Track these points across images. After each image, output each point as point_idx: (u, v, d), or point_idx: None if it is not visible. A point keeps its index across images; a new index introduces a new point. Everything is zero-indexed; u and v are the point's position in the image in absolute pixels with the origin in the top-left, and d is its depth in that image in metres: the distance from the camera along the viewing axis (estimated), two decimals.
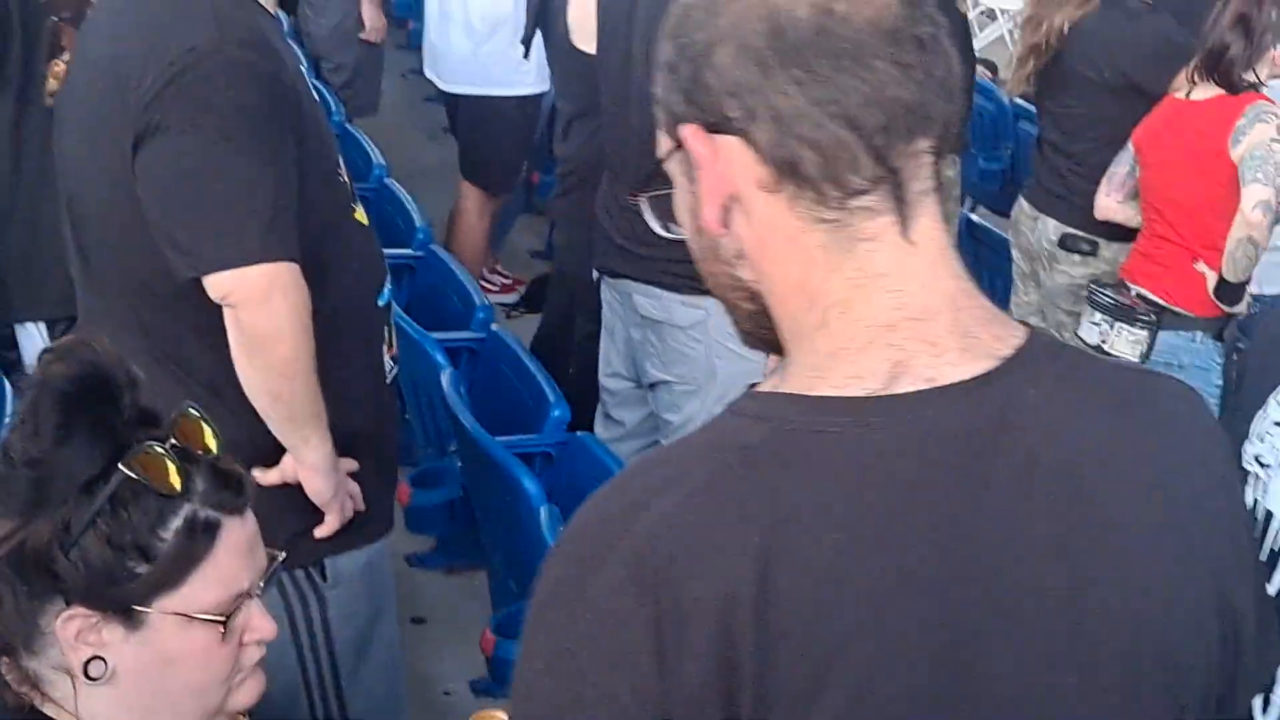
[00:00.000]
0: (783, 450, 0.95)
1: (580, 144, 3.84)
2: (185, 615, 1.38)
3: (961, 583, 0.93)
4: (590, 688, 0.92)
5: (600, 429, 3.47)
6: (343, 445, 2.18)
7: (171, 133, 1.96)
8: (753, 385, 1.04)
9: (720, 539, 0.91)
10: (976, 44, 6.56)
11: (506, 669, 2.77)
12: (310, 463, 2.13)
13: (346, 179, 2.22)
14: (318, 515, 2.19)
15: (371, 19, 5.46)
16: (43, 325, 2.92)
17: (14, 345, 2.96)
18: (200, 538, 1.38)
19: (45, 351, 1.39)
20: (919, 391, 0.95)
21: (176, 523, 1.36)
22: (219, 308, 2.03)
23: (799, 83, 0.95)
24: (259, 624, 1.45)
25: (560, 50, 3.98)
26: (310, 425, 2.10)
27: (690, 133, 0.99)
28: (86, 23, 2.26)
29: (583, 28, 3.67)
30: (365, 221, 2.27)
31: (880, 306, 0.97)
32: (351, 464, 2.23)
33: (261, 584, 1.46)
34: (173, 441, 1.38)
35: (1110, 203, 3.86)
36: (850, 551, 0.91)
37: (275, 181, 1.99)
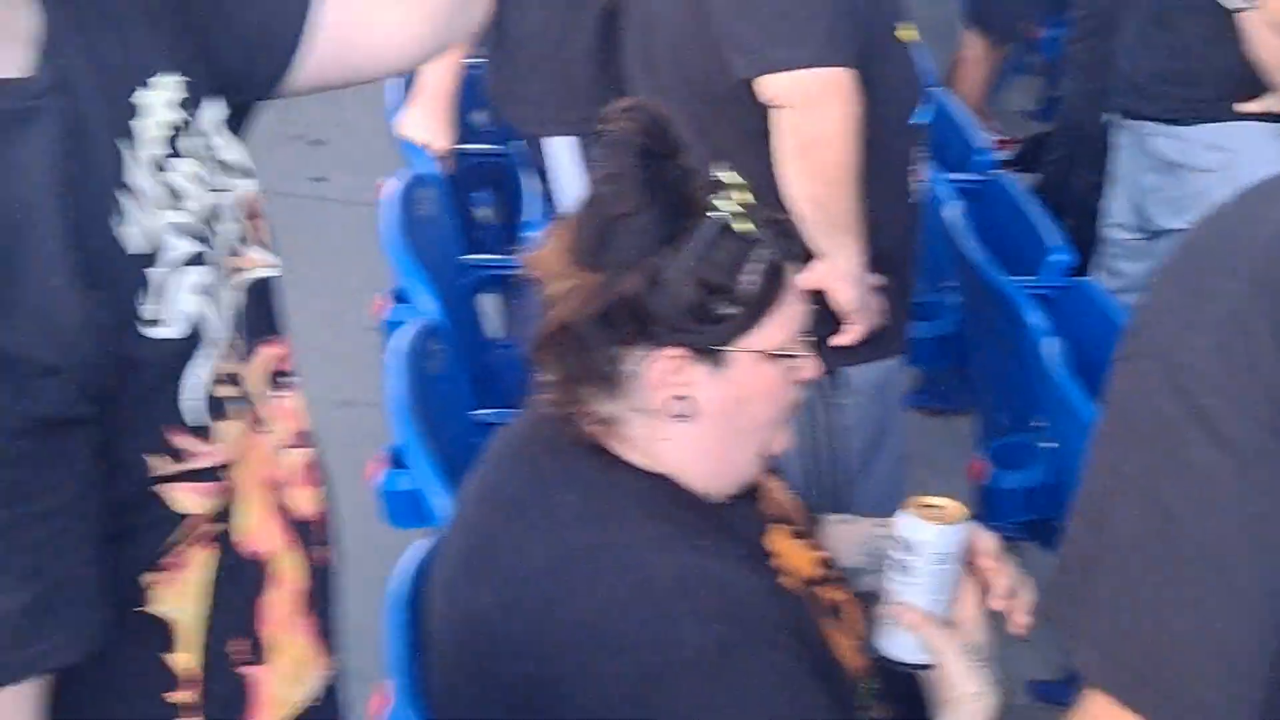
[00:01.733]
0: None
1: None
2: (764, 353, 1.47)
3: None
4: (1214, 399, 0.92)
5: (1101, 280, 3.40)
6: (869, 258, 2.24)
7: None
8: None
9: None
10: None
11: (995, 499, 2.79)
12: (842, 270, 2.19)
13: None
14: (836, 325, 2.27)
15: None
16: (575, 138, 3.10)
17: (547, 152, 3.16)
18: (775, 280, 1.46)
19: (615, 111, 1.46)
20: None
21: (755, 266, 1.44)
22: (746, 115, 2.10)
23: None
24: (811, 363, 1.53)
25: None
26: (848, 233, 2.16)
27: None
28: None
29: None
30: (907, 39, 2.29)
31: None
32: (877, 279, 2.29)
33: None
34: (731, 194, 1.46)
35: None
36: None
37: None
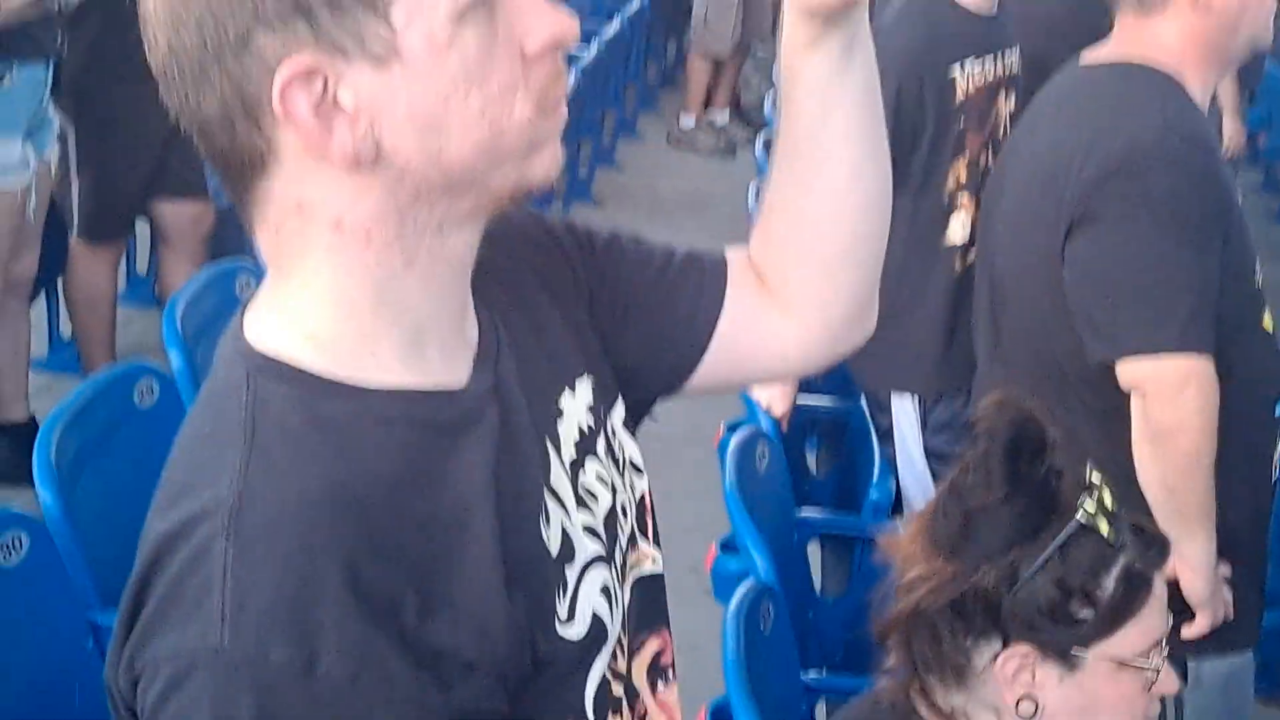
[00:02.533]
0: None
1: None
2: (1120, 661, 1.44)
3: None
4: None
5: None
6: (1220, 547, 2.17)
7: (1107, 220, 2.06)
8: None
9: None
10: None
11: None
12: (1192, 559, 2.13)
13: (1260, 283, 2.23)
14: (1185, 613, 2.20)
15: (1232, 131, 5.35)
16: (916, 398, 3.12)
17: (888, 410, 3.19)
18: (1136, 588, 1.44)
19: (987, 405, 1.49)
20: None
21: (1115, 571, 1.44)
22: (1122, 396, 2.10)
23: None
24: (1169, 676, 1.49)
25: None
26: (1199, 522, 2.11)
27: None
28: (1023, 120, 2.42)
29: None
30: (1271, 329, 2.25)
31: None
32: (1226, 569, 2.22)
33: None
34: (1096, 495, 1.45)
35: None
36: None
37: (1202, 274, 2.04)
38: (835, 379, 4.17)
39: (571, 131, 6.55)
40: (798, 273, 1.22)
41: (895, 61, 2.64)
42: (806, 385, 4.17)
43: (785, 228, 1.21)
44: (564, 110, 1.00)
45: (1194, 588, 2.15)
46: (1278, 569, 3.43)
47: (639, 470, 1.18)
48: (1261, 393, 2.23)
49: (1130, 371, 2.07)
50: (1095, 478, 1.48)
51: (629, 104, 7.35)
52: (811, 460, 3.98)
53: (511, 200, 1.01)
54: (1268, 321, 2.24)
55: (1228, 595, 2.22)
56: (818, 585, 3.35)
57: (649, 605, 1.17)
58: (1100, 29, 2.28)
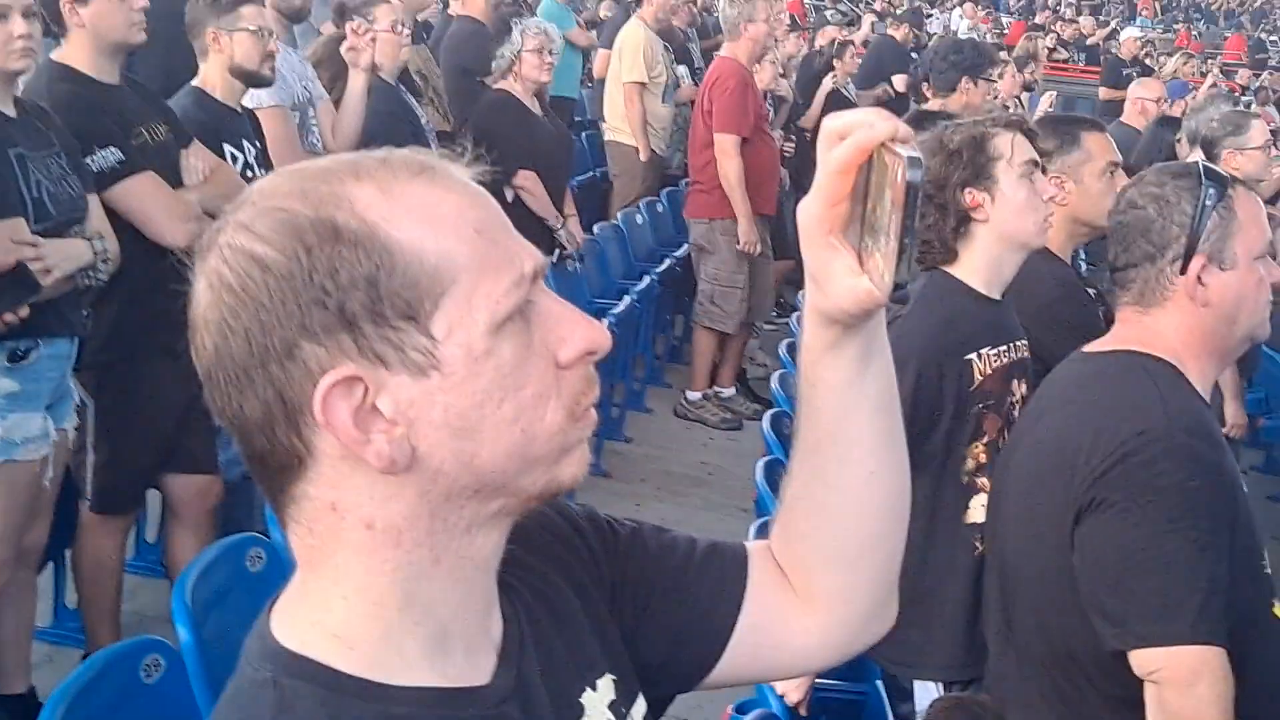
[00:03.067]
0: None
1: None
2: None
3: None
4: None
5: None
6: None
7: (1116, 509, 2.09)
8: None
9: None
10: None
11: None
12: None
13: (1269, 572, 2.23)
14: None
15: (1234, 415, 5.42)
16: (940, 685, 3.09)
17: (909, 697, 3.15)
18: None
19: (934, 702, 1.48)
20: None
21: None
22: (1136, 682, 2.08)
23: None
24: None
25: None
26: None
27: None
28: (1029, 406, 2.47)
29: None
30: None
31: None
32: None
33: None
34: None
35: None
36: None
37: (1210, 566, 2.05)
38: (850, 661, 4.13)
39: None
40: (819, 568, 1.23)
41: (914, 346, 2.71)
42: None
43: (806, 525, 1.23)
44: (594, 415, 1.03)
45: None
46: None
47: None
48: (1276, 682, 2.20)
49: (1146, 661, 2.07)
50: None
51: (637, 378, 7.46)
52: None
53: (539, 501, 1.04)
54: (1279, 609, 2.24)
55: None
56: None
57: None
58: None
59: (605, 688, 1.13)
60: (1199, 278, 2.18)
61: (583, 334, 1.01)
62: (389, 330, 0.94)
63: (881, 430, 1.19)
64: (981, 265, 2.82)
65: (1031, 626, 2.28)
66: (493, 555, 1.04)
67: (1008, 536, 2.35)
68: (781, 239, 7.43)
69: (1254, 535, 2.20)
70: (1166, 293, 2.20)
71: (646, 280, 7.08)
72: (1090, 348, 2.34)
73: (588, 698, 1.10)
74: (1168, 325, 2.21)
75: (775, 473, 4.46)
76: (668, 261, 7.60)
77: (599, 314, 7.09)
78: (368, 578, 0.99)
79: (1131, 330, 2.26)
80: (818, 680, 3.43)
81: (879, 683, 3.27)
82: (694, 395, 7.29)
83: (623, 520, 1.26)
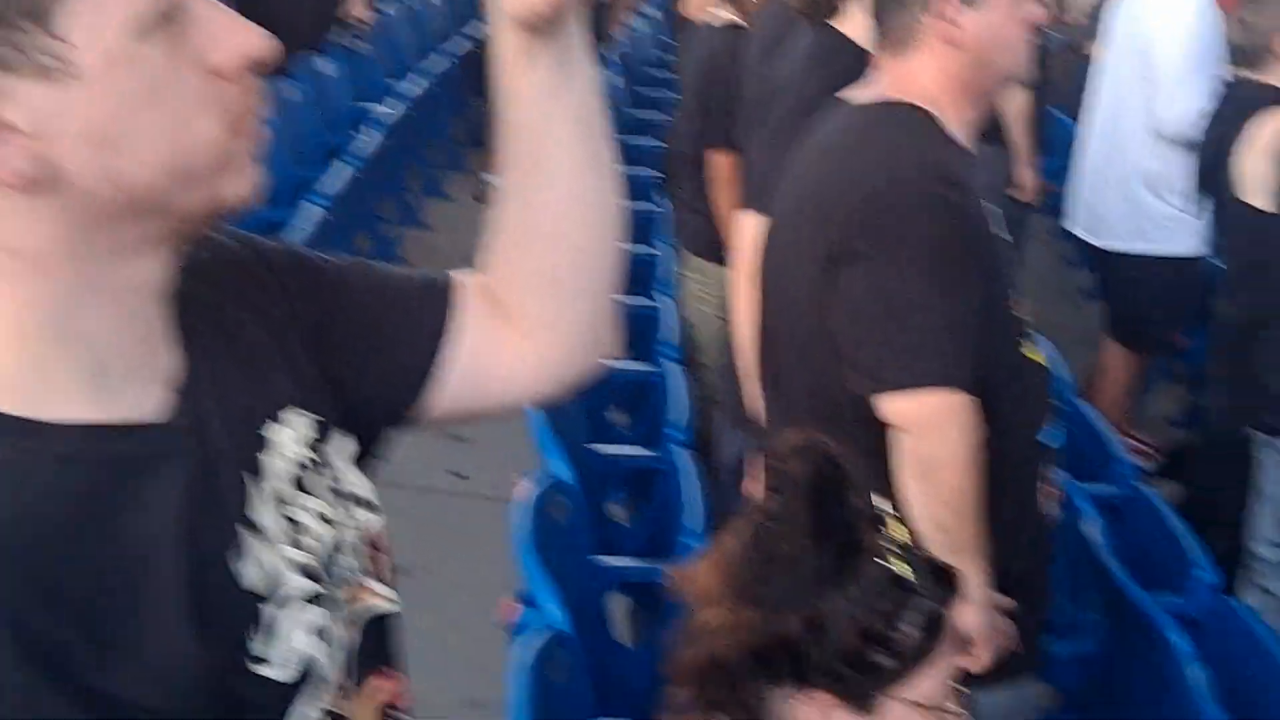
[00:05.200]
0: None
1: (1246, 301, 3.72)
2: (914, 703, 1.44)
3: None
4: None
5: (1248, 601, 3.29)
6: (998, 581, 2.19)
7: (868, 258, 2.08)
8: None
9: None
10: None
11: None
12: (966, 594, 2.16)
13: (1019, 313, 2.27)
14: (965, 647, 2.21)
15: (1027, 179, 5.52)
16: None
17: None
18: (934, 630, 1.44)
19: (787, 448, 1.46)
20: None
21: (914, 616, 1.42)
22: (870, 434, 2.10)
23: None
24: (956, 714, 1.49)
25: (1228, 204, 3.88)
26: (970, 556, 2.12)
27: None
28: (789, 162, 2.45)
29: (1253, 181, 3.58)
30: (1037, 358, 2.30)
31: None
32: (1006, 601, 2.23)
33: None
34: (891, 536, 1.45)
35: None
36: None
37: (959, 311, 2.07)
38: (643, 427, 4.20)
39: (376, 190, 6.51)
40: (530, 293, 1.21)
41: (800, 102, 2.75)
42: (613, 435, 4.19)
43: (514, 249, 1.21)
44: (257, 130, 0.97)
45: (971, 622, 2.16)
46: (1066, 598, 3.53)
47: (369, 507, 1.15)
48: (1029, 422, 2.26)
49: (893, 407, 2.09)
50: (888, 513, 1.47)
51: (436, 163, 7.32)
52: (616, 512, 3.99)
53: (204, 223, 0.98)
54: (1030, 351, 2.28)
55: (1007, 627, 2.24)
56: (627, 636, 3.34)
57: (379, 647, 1.14)
58: None
59: (297, 422, 1.09)
60: (950, 18, 2.16)
61: (240, 41, 0.94)
62: (12, 31, 0.87)
63: (583, 148, 1.16)
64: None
65: (795, 378, 2.30)
66: (154, 283, 0.98)
67: (770, 290, 2.35)
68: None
69: (1003, 280, 2.22)
70: (920, 36, 2.18)
71: (445, 62, 6.90)
72: (846, 97, 2.32)
73: (273, 432, 1.06)
74: (922, 70, 2.19)
75: None
76: (466, 44, 7.42)
77: (391, 96, 6.92)
78: (13, 307, 0.93)
79: (888, 77, 2.24)
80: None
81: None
82: (494, 179, 7.21)
83: (331, 257, 1.21)
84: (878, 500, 1.49)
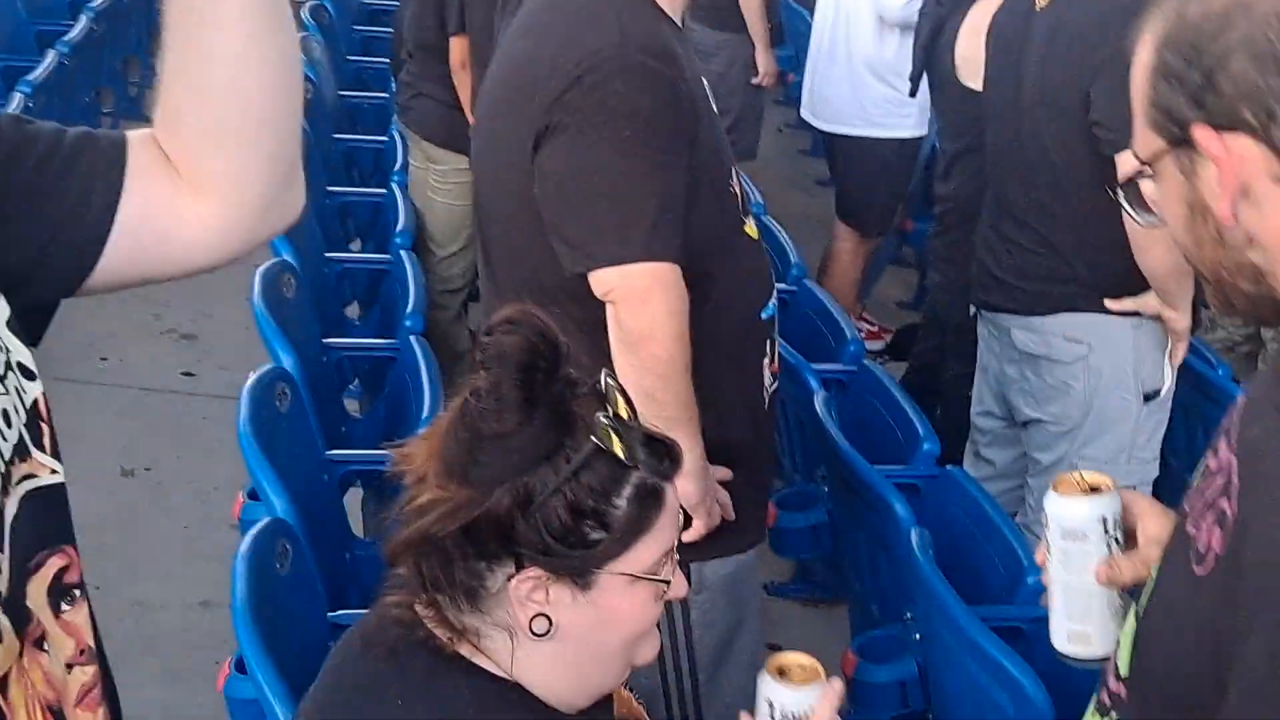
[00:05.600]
0: None
1: (962, 182, 3.83)
2: (633, 576, 1.44)
3: None
4: None
5: (970, 468, 3.42)
6: (717, 453, 2.22)
7: (570, 132, 2.05)
8: None
9: None
10: None
11: (865, 692, 2.76)
12: (682, 465, 2.17)
13: (738, 190, 2.27)
14: (687, 519, 2.24)
15: (765, 64, 5.57)
16: None
17: None
18: (648, 504, 1.43)
19: (497, 323, 1.43)
20: None
21: (628, 490, 1.42)
22: (602, 307, 2.11)
23: None
24: (678, 582, 1.51)
25: (945, 87, 3.98)
26: (683, 427, 2.12)
27: (1202, 133, 1.15)
28: (501, 41, 2.39)
29: (969, 64, 3.67)
30: (755, 235, 2.31)
31: None
32: (724, 472, 2.26)
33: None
34: (610, 410, 1.43)
35: None
36: None
37: (665, 184, 2.06)
38: (375, 321, 4.14)
39: (89, 79, 6.15)
40: (205, 150, 1.15)
41: None
42: (346, 328, 4.12)
43: (186, 102, 1.14)
44: None
45: (686, 491, 2.16)
46: (798, 472, 3.62)
47: (30, 375, 1.08)
48: (748, 297, 2.28)
49: (600, 281, 2.08)
50: (608, 387, 1.46)
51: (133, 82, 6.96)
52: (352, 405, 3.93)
53: None
54: (750, 229, 2.29)
55: (724, 499, 2.27)
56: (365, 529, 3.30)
57: (47, 521, 1.08)
58: None
59: None
60: None
61: None
62: None
63: None
64: None
65: (505, 256, 2.27)
66: None
67: (481, 163, 2.31)
68: None
69: (720, 154, 2.22)
70: None
71: None
72: None
73: None
74: None
75: None
76: None
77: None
78: None
79: None
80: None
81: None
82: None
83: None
84: (601, 373, 1.48)
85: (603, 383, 1.46)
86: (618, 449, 1.41)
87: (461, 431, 1.41)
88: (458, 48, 4.05)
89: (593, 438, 1.40)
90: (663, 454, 1.46)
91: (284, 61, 1.15)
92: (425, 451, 1.44)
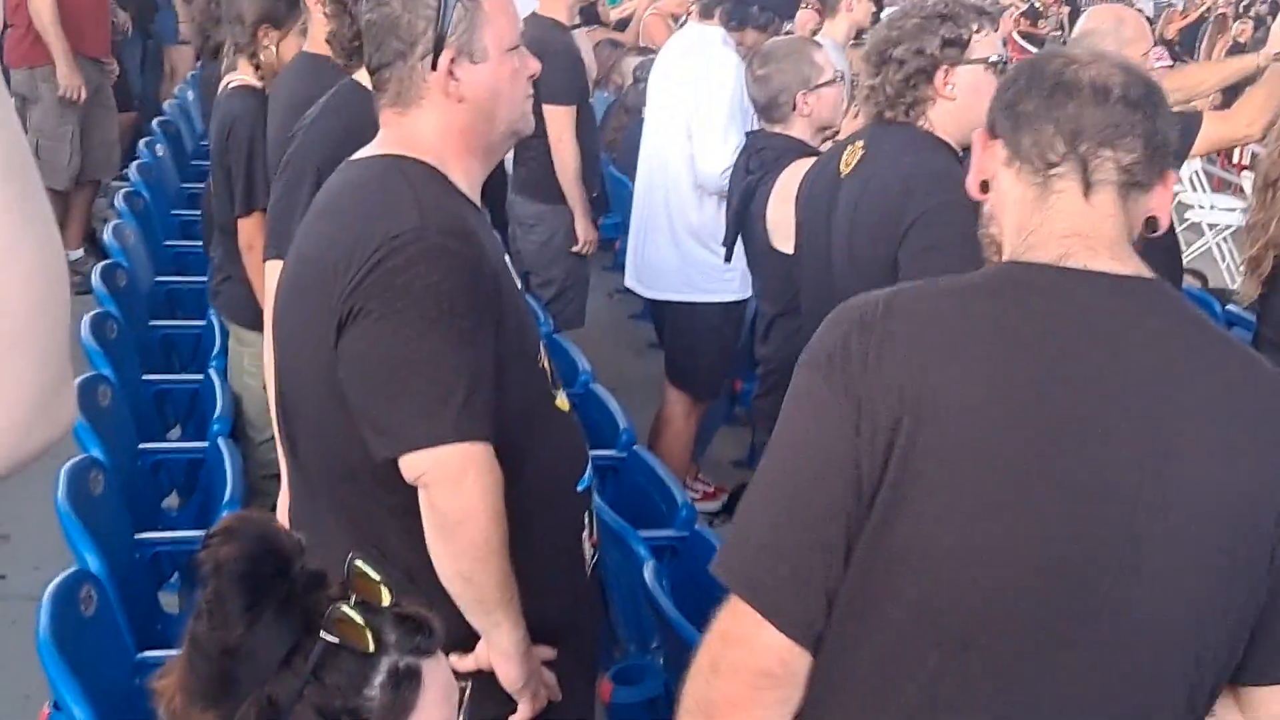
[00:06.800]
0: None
1: (781, 343, 3.87)
2: None
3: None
4: None
5: None
6: (539, 632, 2.17)
7: (373, 316, 2.02)
8: None
9: None
10: (1186, 259, 6.47)
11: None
12: (502, 648, 2.12)
13: (547, 366, 2.25)
14: (513, 704, 2.18)
15: (584, 231, 5.60)
16: None
17: None
18: (406, 687, 1.37)
19: (210, 535, 1.37)
20: (1078, 269, 1.60)
21: (379, 678, 1.35)
22: (392, 494, 2.06)
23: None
24: None
25: (760, 252, 4.04)
26: (501, 610, 2.10)
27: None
28: (302, 221, 2.36)
29: (780, 229, 3.73)
30: (566, 407, 2.29)
31: (1058, 226, 1.63)
32: (547, 652, 2.21)
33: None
34: (353, 598, 1.38)
35: None
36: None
37: (472, 363, 2.03)
38: (194, 511, 4.01)
39: None
40: None
41: (314, 151, 2.88)
42: (168, 521, 3.98)
43: None
44: None
45: (508, 675, 2.14)
46: (633, 643, 3.56)
47: None
48: (562, 472, 2.25)
49: (411, 465, 2.03)
50: (351, 573, 1.39)
51: None
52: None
53: None
54: (561, 402, 2.27)
55: (550, 679, 2.21)
56: None
57: None
58: None
59: None
60: (451, 72, 2.13)
61: None
62: None
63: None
64: None
65: (312, 446, 2.21)
66: None
67: (284, 356, 2.26)
68: (125, 91, 6.99)
69: (526, 330, 2.20)
70: (421, 91, 2.15)
71: None
72: (355, 155, 2.26)
73: None
74: (426, 125, 2.16)
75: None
76: None
77: None
78: None
79: (392, 133, 2.19)
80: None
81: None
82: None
83: None
84: (348, 558, 1.41)
85: (345, 569, 1.40)
86: (356, 638, 1.34)
87: (195, 655, 1.35)
88: (245, 228, 4.00)
89: (328, 634, 1.34)
90: (418, 629, 1.40)
91: (42, 270, 1.08)
92: (173, 684, 1.37)
